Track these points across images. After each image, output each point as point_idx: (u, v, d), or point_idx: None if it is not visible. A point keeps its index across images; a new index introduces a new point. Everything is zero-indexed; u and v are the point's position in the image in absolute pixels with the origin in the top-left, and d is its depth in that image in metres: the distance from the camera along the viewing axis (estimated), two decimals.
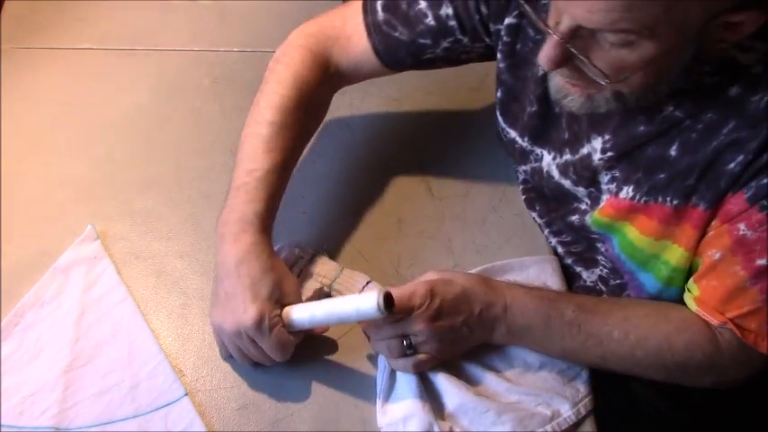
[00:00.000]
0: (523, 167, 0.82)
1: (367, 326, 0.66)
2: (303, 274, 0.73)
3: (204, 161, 0.86)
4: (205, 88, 0.95)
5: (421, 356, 0.65)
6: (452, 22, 0.75)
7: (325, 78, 0.80)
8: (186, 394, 0.66)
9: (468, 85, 0.97)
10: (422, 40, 0.77)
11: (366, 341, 0.71)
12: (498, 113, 0.81)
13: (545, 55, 0.58)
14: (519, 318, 0.66)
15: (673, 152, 0.64)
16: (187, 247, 0.78)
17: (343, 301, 0.63)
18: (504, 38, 0.74)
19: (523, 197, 0.85)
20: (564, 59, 0.58)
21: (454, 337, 0.65)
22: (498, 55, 0.76)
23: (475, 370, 0.68)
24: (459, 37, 0.77)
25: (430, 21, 0.76)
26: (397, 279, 0.75)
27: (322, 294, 0.71)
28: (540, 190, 0.81)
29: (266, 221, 0.69)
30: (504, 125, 0.81)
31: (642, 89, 0.59)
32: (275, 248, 0.71)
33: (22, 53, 0.98)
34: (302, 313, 0.64)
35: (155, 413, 0.65)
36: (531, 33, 0.72)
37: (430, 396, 0.65)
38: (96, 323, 0.70)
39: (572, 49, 0.56)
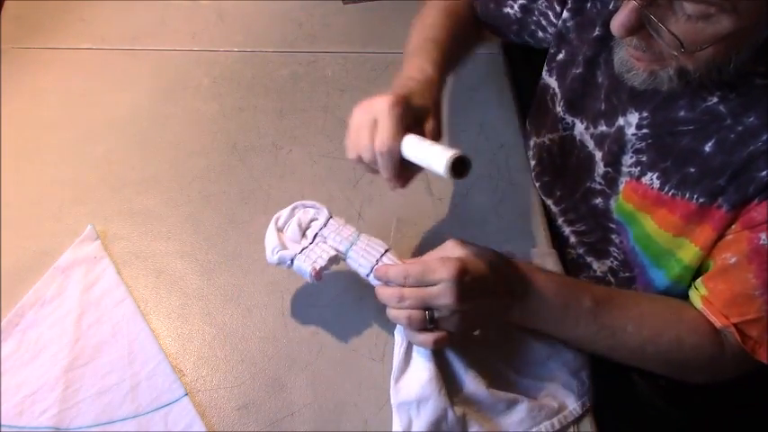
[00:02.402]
0: (550, 136, 0.83)
1: (391, 293, 0.63)
2: (317, 238, 0.69)
3: (204, 161, 0.86)
4: (205, 88, 0.95)
5: (441, 333, 0.62)
6: None
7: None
8: (186, 394, 0.66)
9: (468, 85, 0.97)
10: None
11: (365, 341, 0.71)
12: (554, 77, 0.83)
13: (619, 21, 0.57)
14: (536, 302, 0.65)
15: (707, 148, 0.64)
16: (187, 247, 0.78)
17: (428, 148, 0.61)
18: None
19: (538, 184, 0.85)
20: (637, 27, 0.57)
21: (476, 316, 0.63)
22: (566, 13, 0.77)
23: (485, 357, 0.67)
24: None
25: None
26: None
27: (337, 260, 0.68)
28: (562, 166, 0.81)
29: (443, 73, 0.73)
30: (558, 89, 0.82)
31: (708, 66, 0.58)
32: (288, 209, 0.70)
33: (22, 53, 0.98)
34: (411, 139, 0.63)
35: (155, 413, 0.65)
36: None
37: (445, 377, 0.64)
38: (96, 323, 0.70)
39: (649, 15, 0.55)
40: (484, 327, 0.67)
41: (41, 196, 0.81)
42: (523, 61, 0.93)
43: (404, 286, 0.62)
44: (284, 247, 0.68)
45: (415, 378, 0.64)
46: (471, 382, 0.65)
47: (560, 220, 0.82)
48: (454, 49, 0.80)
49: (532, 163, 0.87)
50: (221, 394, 0.67)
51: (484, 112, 0.94)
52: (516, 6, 0.84)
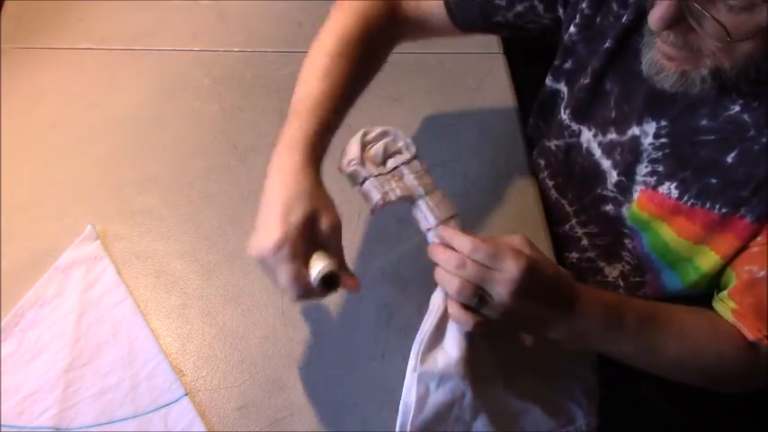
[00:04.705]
0: (556, 142, 0.82)
1: (451, 256, 0.59)
2: (396, 171, 0.65)
3: (204, 161, 0.86)
4: (205, 88, 0.95)
5: (482, 318, 0.59)
6: None
7: (390, 22, 0.77)
8: (186, 394, 0.66)
9: (468, 85, 0.97)
10: (497, 1, 0.77)
11: (365, 341, 0.71)
12: (562, 82, 0.82)
13: (658, 13, 0.56)
14: (580, 321, 0.62)
15: (729, 159, 0.63)
16: (187, 247, 0.78)
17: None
18: (585, 10, 0.73)
19: (552, 183, 0.85)
20: (676, 19, 0.56)
21: (521, 318, 0.60)
22: (572, 28, 0.76)
23: (504, 360, 0.66)
24: (535, 4, 0.76)
25: None
26: (398, 279, 0.75)
27: (406, 201, 0.65)
28: (570, 170, 0.81)
29: (315, 145, 0.64)
30: (567, 95, 0.82)
31: (747, 63, 0.57)
32: (378, 129, 0.66)
33: (22, 53, 0.98)
34: (315, 268, 0.58)
35: (155, 413, 0.65)
36: (615, 8, 0.71)
37: (471, 363, 0.62)
38: (96, 323, 0.70)
39: (692, 3, 0.54)
40: (524, 332, 0.65)
41: (41, 196, 0.81)
42: (524, 61, 0.93)
43: (467, 257, 0.59)
44: (363, 163, 0.64)
45: (444, 354, 0.61)
46: (492, 375, 0.63)
47: (574, 221, 0.82)
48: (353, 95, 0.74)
49: (542, 163, 0.87)
50: (221, 394, 0.67)
51: (484, 112, 0.94)
52: (510, 16, 0.80)
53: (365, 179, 0.64)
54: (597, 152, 0.76)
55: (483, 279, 0.58)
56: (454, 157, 0.88)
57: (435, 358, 0.61)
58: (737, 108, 0.63)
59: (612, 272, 0.79)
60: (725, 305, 0.66)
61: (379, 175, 0.64)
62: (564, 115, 0.80)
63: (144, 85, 0.95)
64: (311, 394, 0.67)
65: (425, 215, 0.64)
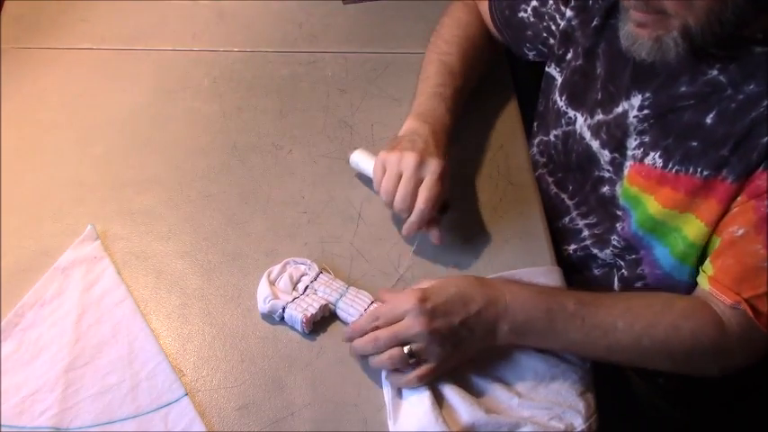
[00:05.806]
0: (555, 132, 0.84)
1: (366, 339, 0.65)
2: (308, 290, 0.72)
3: (204, 161, 0.86)
4: (205, 88, 0.95)
5: (423, 367, 0.63)
6: None
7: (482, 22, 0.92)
8: (186, 394, 0.66)
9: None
10: None
11: None
12: (558, 69, 0.84)
13: None
14: (520, 314, 0.64)
15: (709, 120, 0.65)
16: (187, 247, 0.78)
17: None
18: None
19: (552, 179, 0.86)
20: None
21: (455, 340, 0.63)
22: (569, 12, 0.78)
23: (485, 384, 0.67)
24: None
25: None
26: (397, 279, 0.75)
27: (326, 310, 0.71)
28: (567, 161, 0.82)
29: (452, 130, 0.79)
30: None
31: (709, 18, 0.59)
32: (279, 265, 0.73)
33: (22, 53, 0.98)
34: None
35: (155, 413, 0.65)
36: None
37: (443, 408, 0.64)
38: (96, 323, 0.70)
39: None
40: (470, 350, 0.65)
41: (41, 196, 0.81)
42: (525, 61, 0.93)
43: (374, 329, 0.64)
44: (276, 297, 0.71)
45: (412, 413, 0.64)
46: (467, 412, 0.63)
47: (574, 214, 0.83)
48: (468, 89, 0.87)
49: (541, 160, 0.88)
50: (221, 394, 0.67)
51: (484, 112, 0.94)
52: (530, 10, 0.84)
53: (284, 308, 0.70)
54: (587, 135, 0.78)
55: (397, 334, 0.63)
56: (453, 157, 0.88)
57: (407, 420, 0.64)
58: (715, 72, 0.64)
59: (608, 255, 0.79)
60: (704, 274, 0.66)
61: (294, 299, 0.71)
62: (561, 102, 0.81)
63: (144, 85, 0.95)
64: (311, 394, 0.67)
65: (348, 314, 0.70)
